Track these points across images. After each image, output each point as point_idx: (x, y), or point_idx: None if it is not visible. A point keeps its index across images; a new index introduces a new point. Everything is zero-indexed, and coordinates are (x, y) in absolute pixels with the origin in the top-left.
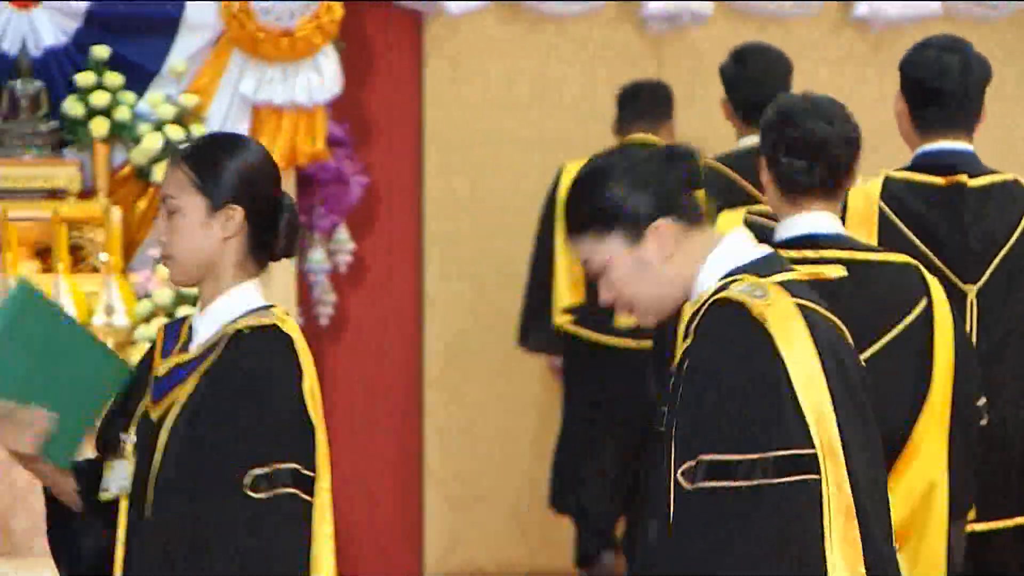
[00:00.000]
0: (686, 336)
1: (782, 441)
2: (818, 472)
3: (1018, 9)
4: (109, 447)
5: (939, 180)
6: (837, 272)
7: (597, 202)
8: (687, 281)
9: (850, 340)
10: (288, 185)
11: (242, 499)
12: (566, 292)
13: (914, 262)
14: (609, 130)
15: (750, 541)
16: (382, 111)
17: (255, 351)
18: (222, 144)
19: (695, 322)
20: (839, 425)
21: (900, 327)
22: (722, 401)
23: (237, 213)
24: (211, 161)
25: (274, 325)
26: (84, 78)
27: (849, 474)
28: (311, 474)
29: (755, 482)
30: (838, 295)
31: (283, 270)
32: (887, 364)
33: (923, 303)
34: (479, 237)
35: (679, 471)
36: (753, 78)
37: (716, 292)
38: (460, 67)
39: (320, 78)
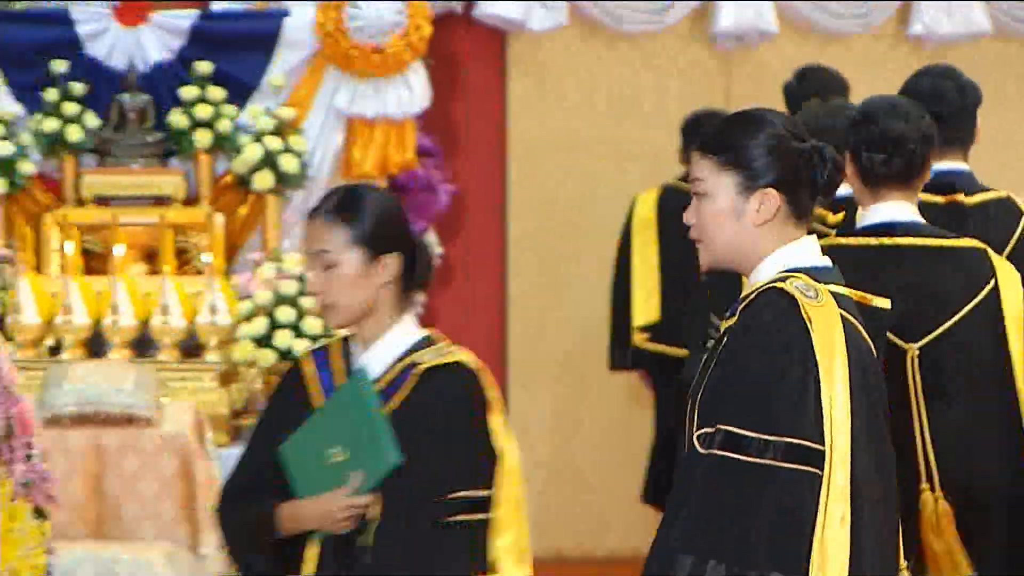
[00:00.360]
0: (732, 315)
1: (797, 431)
2: (822, 469)
3: None
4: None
5: (939, 199)
6: (883, 304)
7: (741, 140)
8: (754, 254)
9: (877, 361)
10: None
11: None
12: (641, 312)
13: (982, 246)
14: (679, 138)
15: (747, 515)
16: (468, 123)
17: (448, 387)
18: (366, 195)
19: (744, 304)
20: (852, 435)
21: (975, 301)
22: (752, 380)
23: (393, 261)
24: (361, 213)
25: (456, 363)
26: (188, 92)
27: (852, 482)
28: (487, 494)
29: (764, 461)
30: (916, 275)
31: None
32: (967, 332)
33: (992, 281)
34: (559, 240)
35: (697, 434)
36: (811, 95)
37: (772, 282)
38: (541, 81)
39: (410, 92)
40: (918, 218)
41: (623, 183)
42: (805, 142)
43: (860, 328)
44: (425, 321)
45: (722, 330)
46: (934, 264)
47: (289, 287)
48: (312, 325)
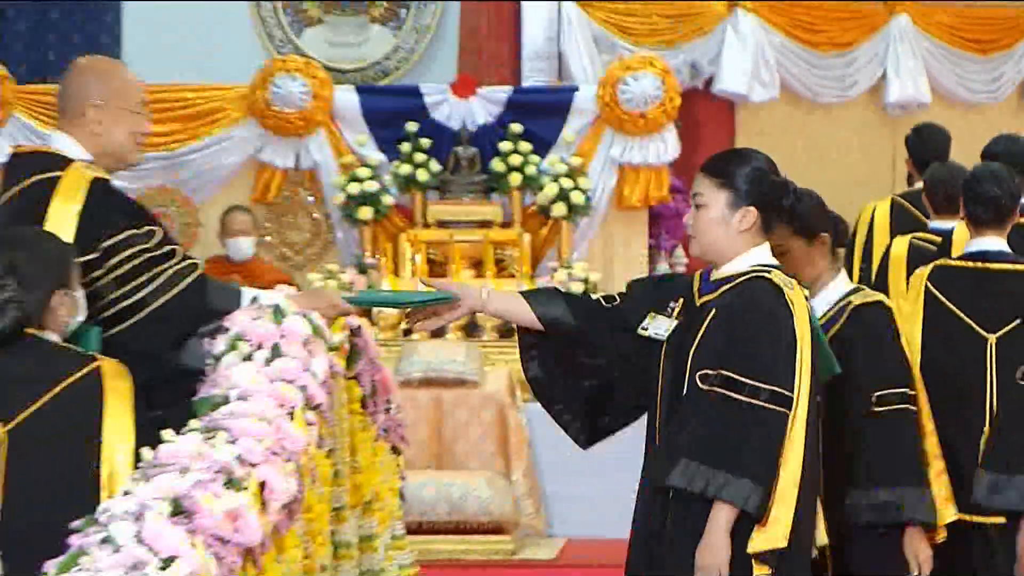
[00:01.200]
0: (711, 291)
1: (781, 381)
2: (791, 410)
3: None
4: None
5: None
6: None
7: (738, 169)
8: (731, 252)
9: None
10: (642, 221)
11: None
12: None
13: None
14: (860, 186)
15: (739, 439)
16: None
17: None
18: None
19: (730, 285)
20: (810, 387)
21: None
22: (752, 342)
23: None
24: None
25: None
26: (505, 146)
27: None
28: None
29: (756, 402)
30: (999, 286)
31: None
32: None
33: None
34: None
35: (698, 374)
36: (922, 144)
37: (753, 274)
38: (760, 138)
39: (664, 146)
40: (1005, 248)
41: None
42: (779, 176)
43: (811, 306)
44: None
45: (698, 303)
46: (1014, 279)
47: (576, 287)
48: None
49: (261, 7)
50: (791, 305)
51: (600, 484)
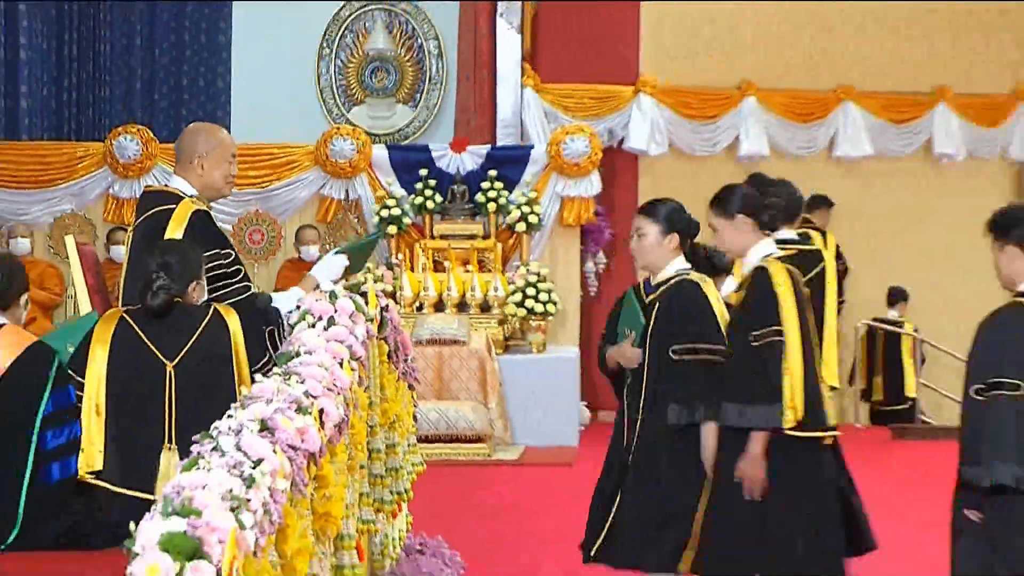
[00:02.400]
0: (653, 292)
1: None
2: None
3: None
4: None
5: None
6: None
7: (664, 210)
8: (664, 265)
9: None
10: (576, 234)
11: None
12: None
13: None
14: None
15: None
16: (619, 199)
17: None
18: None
19: (667, 286)
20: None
21: None
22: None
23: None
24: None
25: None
26: (485, 184)
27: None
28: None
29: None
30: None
31: None
32: None
33: None
34: None
35: (670, 350)
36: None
37: (680, 277)
38: (654, 181)
39: (591, 184)
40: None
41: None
42: (687, 212)
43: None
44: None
45: (647, 301)
46: None
47: (532, 279)
48: (544, 296)
49: (323, 91)
50: (706, 291)
51: (546, 409)
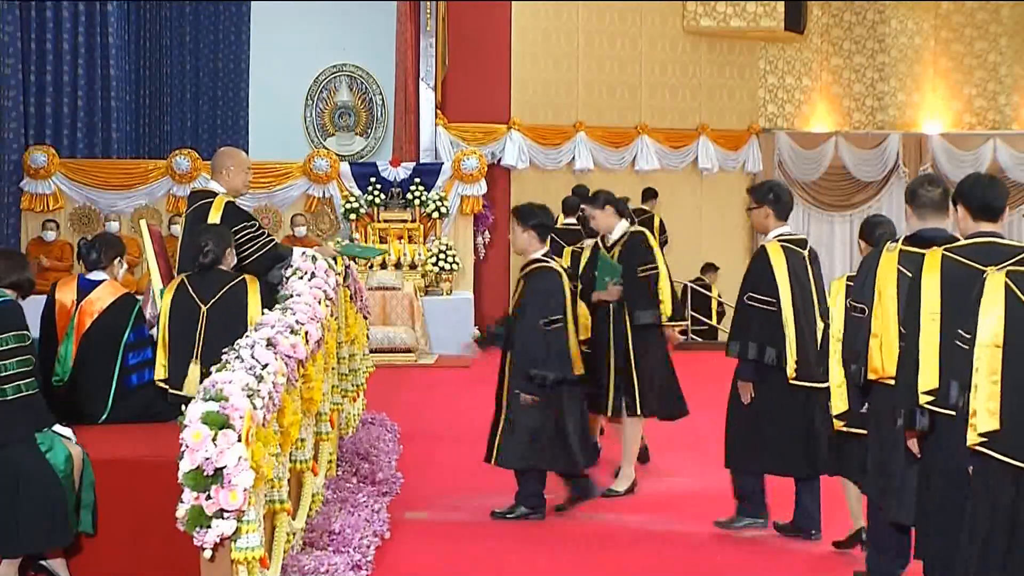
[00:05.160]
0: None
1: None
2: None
3: None
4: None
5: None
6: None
7: (528, 212)
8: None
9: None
10: (470, 221)
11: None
12: None
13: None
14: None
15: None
16: (499, 198)
17: (542, 272)
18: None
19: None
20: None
21: None
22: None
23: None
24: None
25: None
26: (412, 188)
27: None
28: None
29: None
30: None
31: None
32: None
33: None
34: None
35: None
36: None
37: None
38: (521, 187)
39: (480, 188)
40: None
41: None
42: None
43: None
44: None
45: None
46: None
47: (443, 248)
48: (451, 259)
49: (308, 127)
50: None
51: (452, 331)
